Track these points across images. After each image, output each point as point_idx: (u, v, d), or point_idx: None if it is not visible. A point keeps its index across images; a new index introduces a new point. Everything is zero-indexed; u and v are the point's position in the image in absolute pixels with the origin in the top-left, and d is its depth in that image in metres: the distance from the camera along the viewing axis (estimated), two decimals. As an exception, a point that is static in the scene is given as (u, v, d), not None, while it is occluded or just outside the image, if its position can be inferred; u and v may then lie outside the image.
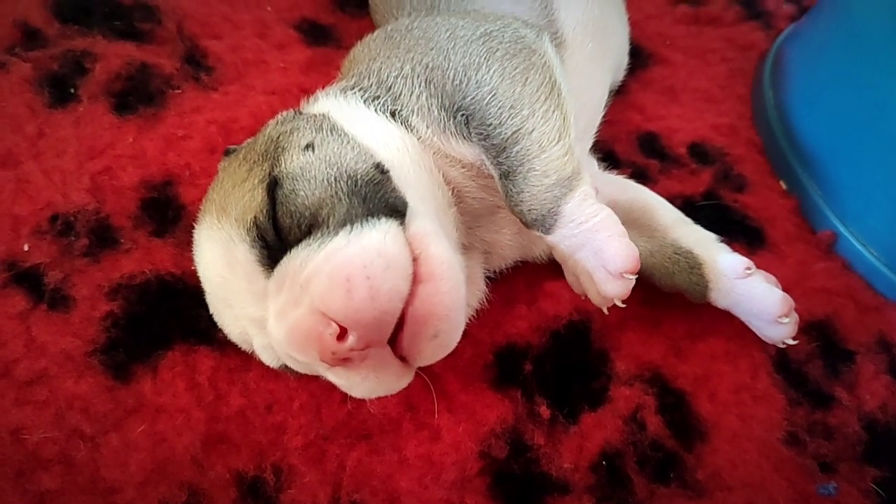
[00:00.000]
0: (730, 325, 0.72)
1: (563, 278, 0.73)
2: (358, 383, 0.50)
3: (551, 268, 0.74)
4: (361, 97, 0.64)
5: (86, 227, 0.74)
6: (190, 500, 0.59)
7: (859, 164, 0.82)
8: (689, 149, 0.94)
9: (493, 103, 0.60)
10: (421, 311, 0.49)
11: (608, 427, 0.66)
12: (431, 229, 0.52)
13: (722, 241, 0.72)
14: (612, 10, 0.88)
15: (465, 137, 0.62)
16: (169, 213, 0.77)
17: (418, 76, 0.62)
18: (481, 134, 0.61)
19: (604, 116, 0.83)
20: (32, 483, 0.59)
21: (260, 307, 0.53)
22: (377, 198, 0.53)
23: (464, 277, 0.52)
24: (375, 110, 0.63)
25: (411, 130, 0.62)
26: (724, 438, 0.66)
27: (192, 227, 0.60)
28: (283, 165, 0.55)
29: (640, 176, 0.87)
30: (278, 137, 0.59)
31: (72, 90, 0.85)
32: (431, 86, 0.62)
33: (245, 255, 0.53)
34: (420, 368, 0.54)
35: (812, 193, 0.87)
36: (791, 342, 0.67)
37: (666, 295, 0.72)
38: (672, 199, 0.80)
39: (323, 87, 0.69)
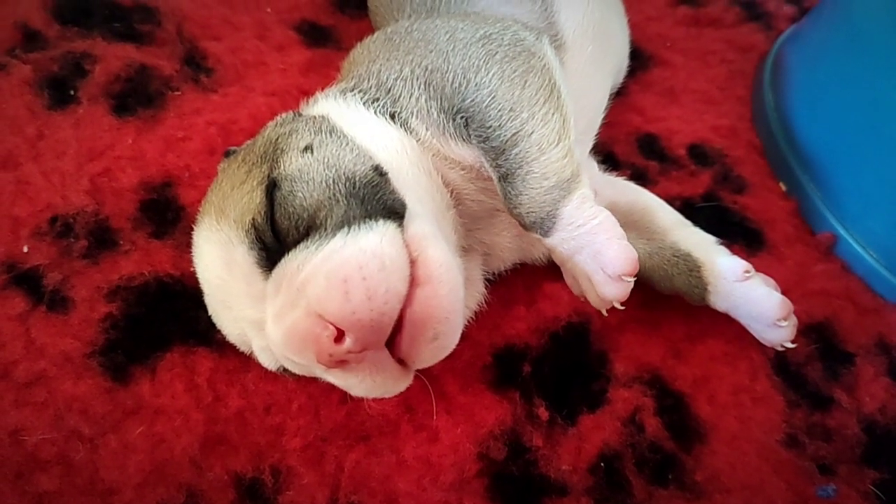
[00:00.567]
0: (729, 328, 0.72)
1: (561, 280, 0.73)
2: (355, 385, 0.50)
3: (550, 269, 0.74)
4: (361, 99, 0.64)
5: (85, 228, 0.74)
6: (188, 501, 0.59)
7: (859, 165, 0.82)
8: (688, 150, 0.94)
9: (492, 106, 0.60)
10: (419, 313, 0.49)
11: (607, 429, 0.66)
12: (430, 231, 0.52)
13: (721, 244, 0.72)
14: (613, 12, 0.88)
15: (464, 140, 0.62)
16: (168, 215, 0.77)
17: (418, 78, 0.62)
18: (480, 136, 0.61)
19: (604, 118, 0.83)
20: (31, 484, 0.59)
21: (258, 309, 0.53)
22: (375, 200, 0.53)
23: (462, 280, 0.52)
24: (375, 112, 0.63)
25: (410, 132, 0.62)
26: (723, 440, 0.66)
27: (192, 229, 0.60)
28: (282, 167, 0.55)
29: (640, 177, 0.87)
30: (277, 139, 0.59)
31: (71, 92, 0.85)
32: (431, 88, 0.62)
33: (244, 256, 0.53)
34: (418, 370, 0.54)
35: (812, 195, 0.87)
36: (790, 346, 0.67)
37: (665, 297, 0.72)
38: (671, 201, 0.80)
39: (322, 89, 0.69)
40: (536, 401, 0.67)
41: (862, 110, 0.82)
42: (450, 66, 0.62)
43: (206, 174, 0.80)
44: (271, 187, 0.54)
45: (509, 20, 0.68)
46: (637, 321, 0.74)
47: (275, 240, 0.52)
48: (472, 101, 0.60)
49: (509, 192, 0.61)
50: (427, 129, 0.62)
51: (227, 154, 0.67)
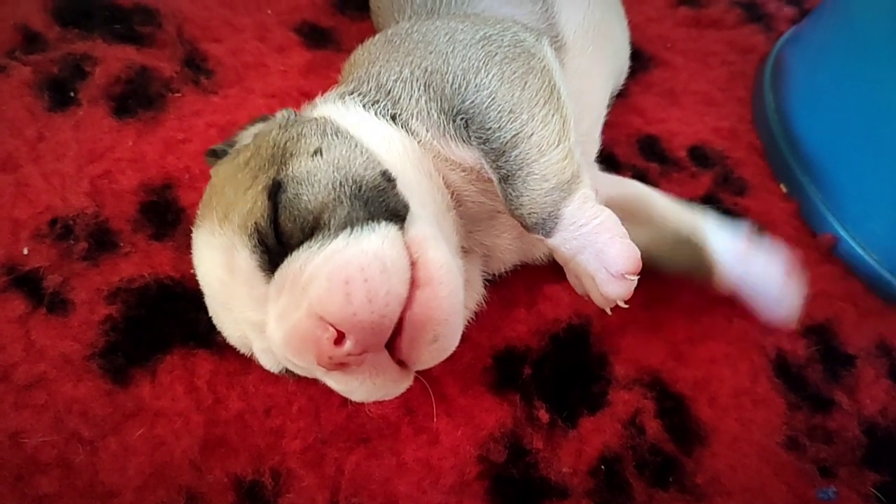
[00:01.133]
0: (729, 330, 0.72)
1: (562, 281, 0.73)
2: (356, 388, 0.50)
3: (551, 271, 0.74)
4: (361, 101, 0.64)
5: (85, 230, 0.74)
6: (188, 503, 0.59)
7: (860, 167, 0.82)
8: (689, 152, 0.94)
9: (492, 107, 0.60)
10: (419, 315, 0.48)
11: (607, 431, 0.66)
12: (430, 233, 0.52)
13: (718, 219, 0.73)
14: (613, 13, 0.88)
15: (464, 141, 0.62)
16: (168, 217, 0.77)
17: (417, 80, 0.62)
18: (481, 138, 0.61)
19: (604, 119, 0.83)
20: (31, 487, 0.58)
21: (260, 311, 0.52)
22: (379, 202, 0.53)
23: (462, 281, 0.52)
24: (375, 114, 0.63)
25: (411, 134, 0.62)
26: (724, 443, 0.66)
27: (192, 231, 0.60)
28: (290, 170, 0.55)
29: (641, 179, 0.86)
30: (286, 143, 0.58)
31: (72, 94, 0.85)
32: (431, 90, 0.62)
33: (246, 260, 0.52)
34: (419, 372, 0.54)
35: (812, 197, 0.87)
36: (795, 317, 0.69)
37: (666, 298, 0.72)
38: (672, 202, 0.79)
39: (323, 91, 0.69)
40: (537, 403, 0.67)
41: (862, 111, 0.82)
42: (449, 68, 0.62)
43: (206, 176, 0.79)
44: (275, 190, 0.53)
45: (509, 21, 0.68)
46: (637, 323, 0.74)
47: (277, 242, 0.52)
48: (472, 102, 0.60)
49: (510, 194, 0.60)
50: (427, 131, 0.62)
51: (211, 154, 0.67)
